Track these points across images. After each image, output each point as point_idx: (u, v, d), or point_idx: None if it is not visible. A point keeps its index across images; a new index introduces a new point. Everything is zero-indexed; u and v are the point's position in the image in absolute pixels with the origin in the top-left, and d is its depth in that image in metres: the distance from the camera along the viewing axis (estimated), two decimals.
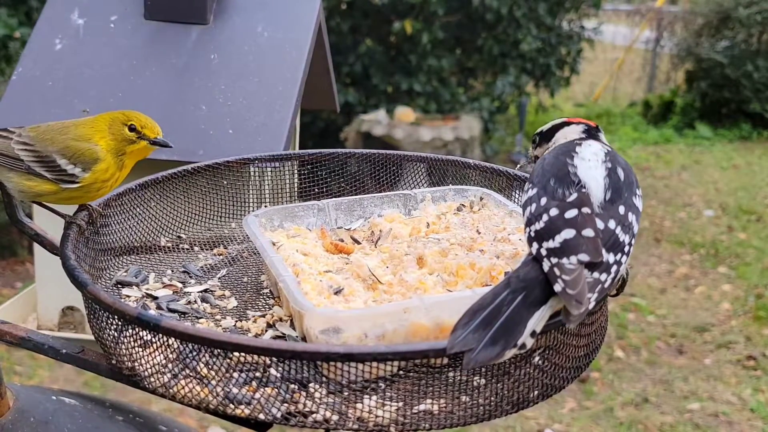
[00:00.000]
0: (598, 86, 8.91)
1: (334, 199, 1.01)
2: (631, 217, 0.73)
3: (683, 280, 4.13)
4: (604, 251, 0.69)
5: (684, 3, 9.03)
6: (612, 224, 0.71)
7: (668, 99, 7.89)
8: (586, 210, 0.72)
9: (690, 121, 7.42)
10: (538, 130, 0.91)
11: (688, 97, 7.68)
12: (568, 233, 0.70)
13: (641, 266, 4.21)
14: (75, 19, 1.52)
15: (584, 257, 0.68)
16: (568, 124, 0.87)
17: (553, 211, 0.72)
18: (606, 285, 0.68)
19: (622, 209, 0.73)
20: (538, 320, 0.65)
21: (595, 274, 0.68)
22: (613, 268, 0.69)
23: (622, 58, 8.95)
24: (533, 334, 0.64)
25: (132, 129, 0.89)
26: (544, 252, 0.69)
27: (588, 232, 0.70)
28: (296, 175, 1.13)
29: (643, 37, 8.98)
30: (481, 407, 0.68)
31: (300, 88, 1.41)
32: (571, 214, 0.71)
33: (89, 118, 0.90)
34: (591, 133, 0.85)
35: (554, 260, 0.68)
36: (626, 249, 0.71)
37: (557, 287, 0.66)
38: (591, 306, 0.66)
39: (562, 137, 0.86)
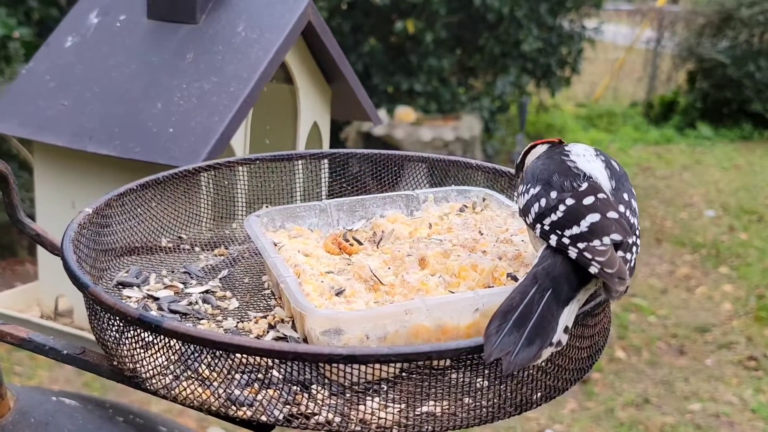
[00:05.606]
0: (599, 86, 8.90)
1: (336, 199, 1.01)
2: (634, 203, 0.75)
3: (684, 281, 4.13)
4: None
5: (685, 2, 9.02)
6: (621, 209, 0.72)
7: (669, 99, 7.88)
8: (602, 195, 0.72)
9: (691, 121, 7.41)
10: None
11: (689, 97, 7.67)
12: (593, 217, 0.70)
13: (642, 266, 4.20)
14: (91, 18, 1.54)
15: (616, 236, 0.68)
16: (534, 146, 0.86)
17: (570, 201, 0.72)
18: (632, 264, 0.69)
19: (626, 195, 0.74)
20: (569, 315, 0.65)
21: (620, 253, 0.68)
22: (634, 248, 0.70)
23: (623, 58, 8.94)
24: (566, 329, 0.64)
25: None
26: (566, 240, 0.69)
27: (612, 214, 0.70)
28: (298, 175, 1.12)
29: (644, 37, 8.97)
30: (484, 409, 0.67)
31: (253, 89, 1.36)
32: (589, 200, 0.71)
33: None
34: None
35: (582, 245, 0.68)
36: (637, 232, 0.72)
37: (593, 269, 0.66)
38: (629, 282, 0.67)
39: (533, 157, 0.84)
